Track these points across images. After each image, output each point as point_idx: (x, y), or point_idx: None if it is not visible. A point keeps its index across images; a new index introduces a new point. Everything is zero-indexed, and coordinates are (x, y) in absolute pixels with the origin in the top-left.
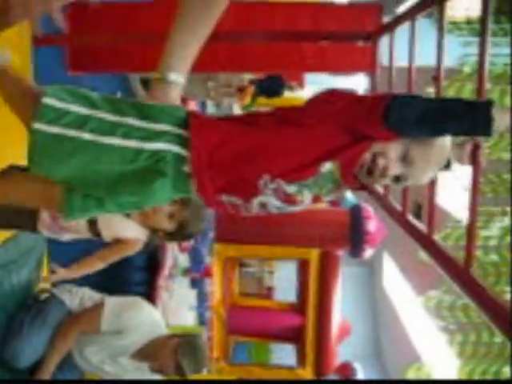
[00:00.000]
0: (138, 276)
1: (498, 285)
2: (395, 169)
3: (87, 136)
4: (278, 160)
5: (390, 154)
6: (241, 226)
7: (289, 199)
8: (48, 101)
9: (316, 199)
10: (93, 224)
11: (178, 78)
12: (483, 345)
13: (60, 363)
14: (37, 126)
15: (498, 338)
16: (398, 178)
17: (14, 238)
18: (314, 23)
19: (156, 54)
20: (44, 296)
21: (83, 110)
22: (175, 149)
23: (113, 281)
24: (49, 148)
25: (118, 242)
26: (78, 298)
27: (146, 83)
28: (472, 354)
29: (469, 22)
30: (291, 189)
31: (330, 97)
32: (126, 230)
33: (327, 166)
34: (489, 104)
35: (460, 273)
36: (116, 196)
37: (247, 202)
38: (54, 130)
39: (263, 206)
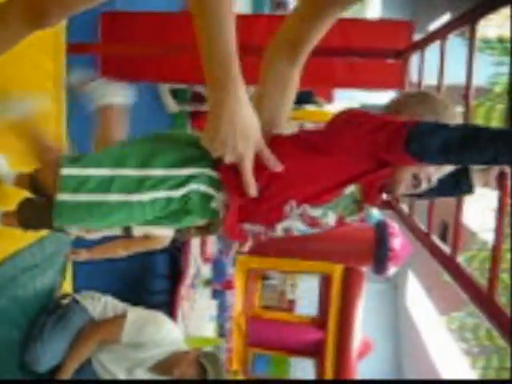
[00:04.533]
0: (160, 284)
1: None
2: (436, 174)
3: (115, 197)
4: (304, 186)
5: (429, 168)
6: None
7: (313, 222)
8: (66, 171)
9: (340, 222)
10: None
11: None
12: (506, 370)
13: (78, 369)
14: (60, 198)
15: None
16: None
17: (38, 242)
18: (345, 39)
19: (186, 64)
20: (66, 301)
21: (105, 172)
22: (203, 189)
23: (135, 289)
24: (77, 215)
25: (146, 236)
26: (101, 305)
27: (175, 93)
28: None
29: (501, 40)
30: (316, 212)
31: (352, 118)
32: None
33: (350, 188)
34: None
35: (483, 299)
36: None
37: (271, 228)
38: (80, 198)
39: (286, 230)
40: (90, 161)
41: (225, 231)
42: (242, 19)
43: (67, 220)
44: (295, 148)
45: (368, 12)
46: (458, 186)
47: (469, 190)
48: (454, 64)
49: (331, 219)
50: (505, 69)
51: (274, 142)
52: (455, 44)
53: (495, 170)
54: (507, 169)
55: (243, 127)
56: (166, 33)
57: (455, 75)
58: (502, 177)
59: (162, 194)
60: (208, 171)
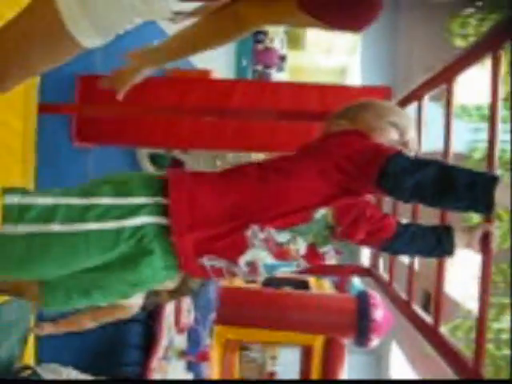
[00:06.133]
0: (132, 356)
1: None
2: None
3: (57, 228)
4: (265, 205)
5: None
6: (244, 308)
7: (281, 251)
8: (9, 199)
9: (312, 251)
10: None
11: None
12: None
13: None
14: (3, 230)
15: None
16: None
17: None
18: (322, 104)
19: (164, 127)
20: (26, 373)
21: (48, 200)
22: (156, 220)
23: (105, 360)
24: (17, 250)
25: (113, 305)
26: (62, 379)
27: (153, 159)
28: None
29: (478, 107)
30: (283, 237)
31: (324, 143)
32: None
33: (321, 211)
34: (492, 181)
35: (469, 372)
36: (102, 289)
37: (234, 262)
38: (20, 229)
39: (252, 265)
40: (34, 191)
41: (183, 266)
42: (221, 84)
43: (6, 260)
44: (258, 170)
45: (347, 81)
46: (439, 244)
47: (450, 250)
48: (431, 131)
49: (301, 247)
50: (483, 135)
51: (234, 169)
52: (432, 111)
53: (479, 230)
54: (491, 230)
55: None
56: (143, 97)
57: (433, 142)
58: (485, 238)
59: (110, 224)
60: (159, 199)
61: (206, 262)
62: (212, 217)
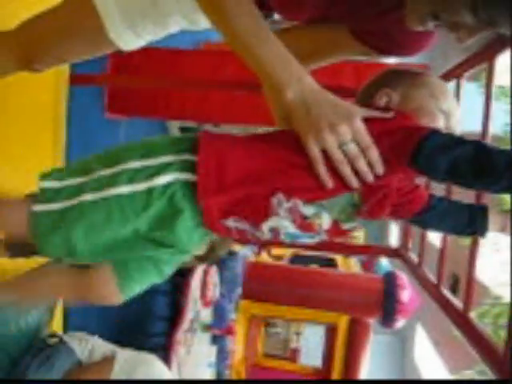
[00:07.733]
0: (158, 327)
1: None
2: None
3: (90, 196)
4: (295, 175)
5: None
6: (270, 284)
7: (305, 224)
8: (45, 184)
9: (335, 228)
10: None
11: None
12: None
13: None
14: (35, 208)
15: None
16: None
17: None
18: (358, 81)
19: (196, 102)
20: (53, 340)
21: (78, 180)
22: (185, 176)
23: (132, 330)
24: (54, 224)
25: None
26: (88, 347)
27: (184, 132)
28: None
29: None
30: (309, 211)
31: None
32: None
33: None
34: None
35: (499, 360)
36: (151, 257)
37: (256, 226)
38: (55, 206)
39: (274, 231)
40: (66, 172)
41: (208, 224)
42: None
43: (42, 234)
44: (292, 138)
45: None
46: (471, 223)
47: (482, 231)
48: (468, 111)
49: (325, 222)
50: None
51: (269, 133)
52: (469, 92)
53: None
54: None
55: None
56: (176, 69)
57: (470, 123)
58: None
59: (140, 186)
60: (187, 157)
61: (231, 223)
62: (238, 180)
